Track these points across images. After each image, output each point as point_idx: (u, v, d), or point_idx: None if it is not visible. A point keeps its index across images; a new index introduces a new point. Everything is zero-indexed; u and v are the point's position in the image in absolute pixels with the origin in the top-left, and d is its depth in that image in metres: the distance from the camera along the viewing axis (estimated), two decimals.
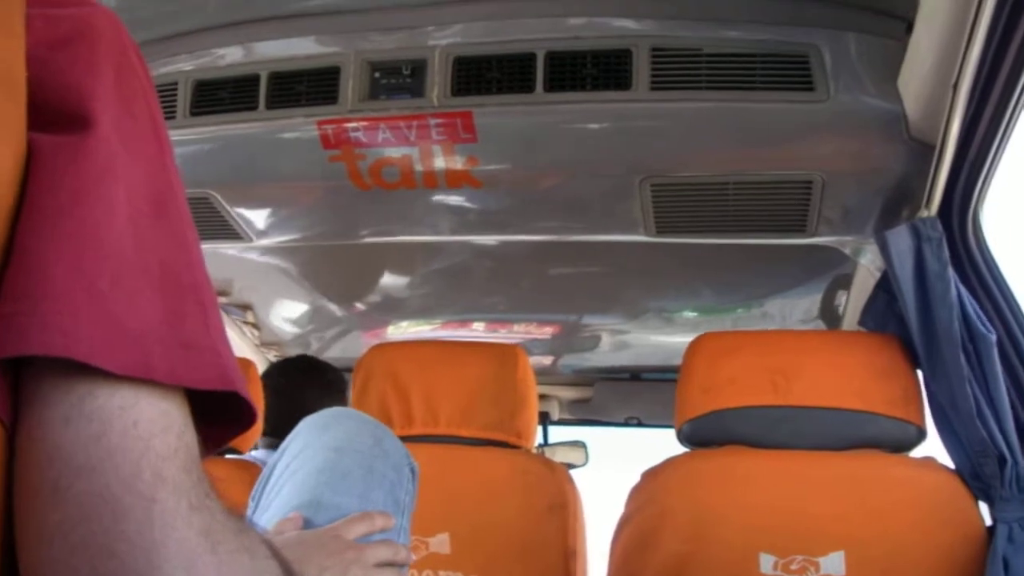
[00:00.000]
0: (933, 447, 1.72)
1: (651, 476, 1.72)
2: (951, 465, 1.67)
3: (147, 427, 0.52)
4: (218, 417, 0.60)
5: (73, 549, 0.49)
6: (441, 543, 1.82)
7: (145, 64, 0.63)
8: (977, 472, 1.59)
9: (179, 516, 0.52)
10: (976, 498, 1.60)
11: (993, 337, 1.58)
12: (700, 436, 1.75)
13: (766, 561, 1.59)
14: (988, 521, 1.59)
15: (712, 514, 1.63)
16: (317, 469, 1.11)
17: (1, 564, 0.52)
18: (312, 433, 1.17)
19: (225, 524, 0.56)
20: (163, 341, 0.54)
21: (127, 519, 0.50)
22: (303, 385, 2.53)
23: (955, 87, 1.42)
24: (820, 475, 1.65)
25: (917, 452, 1.73)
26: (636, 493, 1.71)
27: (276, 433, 2.24)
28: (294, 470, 1.13)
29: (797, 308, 2.74)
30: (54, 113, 0.55)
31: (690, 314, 2.88)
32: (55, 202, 0.53)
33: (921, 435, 1.69)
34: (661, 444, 3.41)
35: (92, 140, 0.55)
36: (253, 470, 1.90)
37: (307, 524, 1.05)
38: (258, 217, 2.20)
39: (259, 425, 2.24)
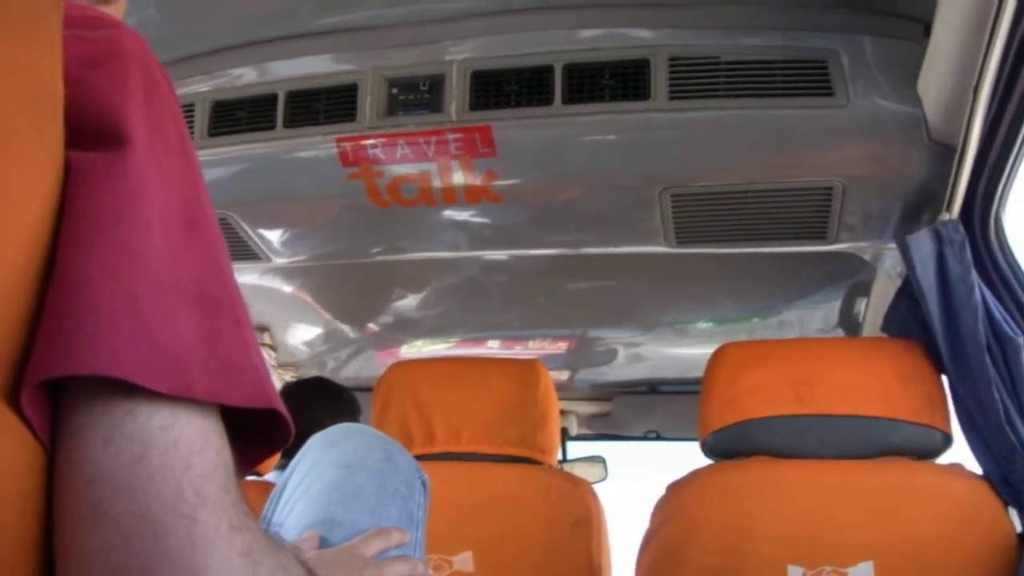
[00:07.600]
0: (960, 454, 1.70)
1: (677, 489, 1.70)
2: (979, 471, 1.65)
3: (187, 446, 0.52)
4: (248, 436, 0.60)
5: (114, 572, 0.49)
6: (464, 561, 1.81)
7: (171, 84, 0.64)
8: (1007, 477, 1.58)
9: (220, 536, 0.51)
10: (1006, 504, 1.59)
11: (1021, 340, 1.57)
12: (725, 447, 1.74)
13: (794, 573, 1.57)
14: (1019, 527, 1.57)
15: (740, 526, 1.61)
16: (329, 487, 1.11)
17: None
18: (322, 450, 1.17)
19: (264, 543, 0.55)
20: (202, 359, 0.54)
21: (169, 540, 0.49)
22: (317, 406, 2.52)
23: (975, 89, 1.41)
24: (847, 484, 1.63)
25: (944, 459, 1.71)
26: (662, 506, 1.70)
27: (291, 455, 2.23)
28: (305, 488, 1.12)
29: (815, 316, 2.72)
30: (89, 130, 0.55)
31: (706, 325, 2.87)
32: (95, 220, 0.53)
33: (947, 441, 1.68)
34: (676, 457, 3.43)
35: (128, 158, 0.55)
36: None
37: (322, 542, 1.05)
38: (277, 237, 2.19)
39: None
